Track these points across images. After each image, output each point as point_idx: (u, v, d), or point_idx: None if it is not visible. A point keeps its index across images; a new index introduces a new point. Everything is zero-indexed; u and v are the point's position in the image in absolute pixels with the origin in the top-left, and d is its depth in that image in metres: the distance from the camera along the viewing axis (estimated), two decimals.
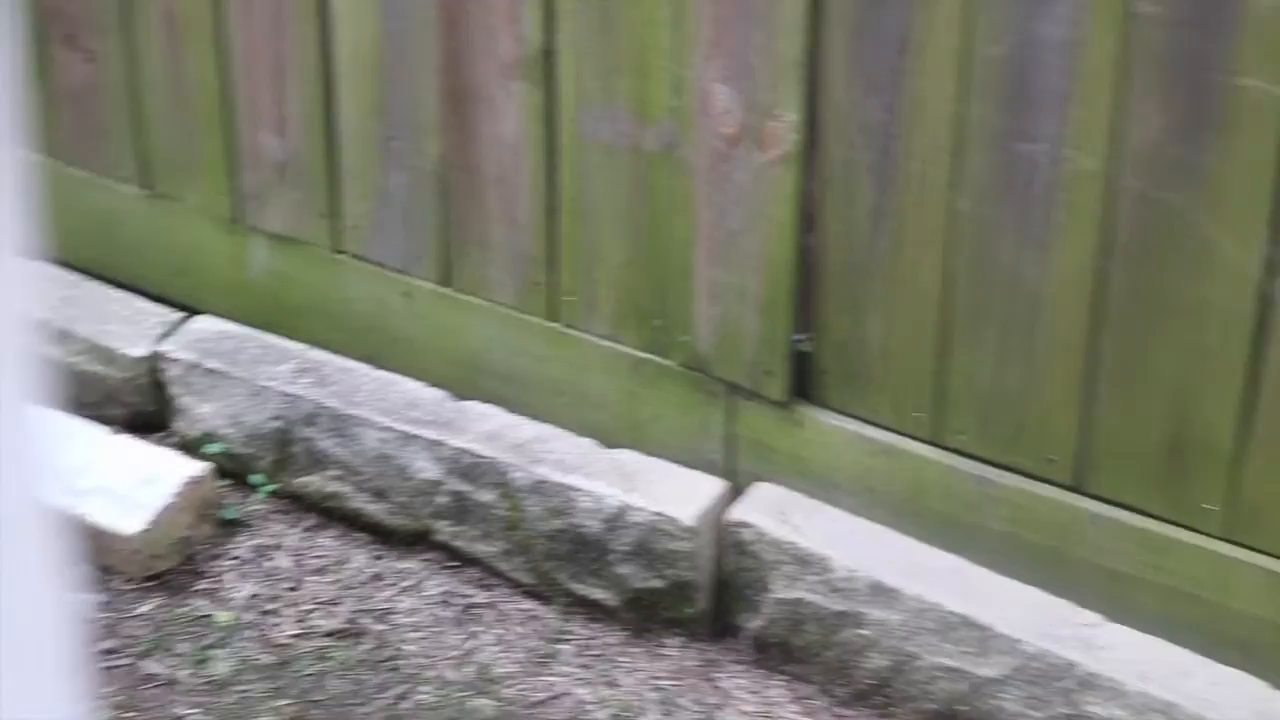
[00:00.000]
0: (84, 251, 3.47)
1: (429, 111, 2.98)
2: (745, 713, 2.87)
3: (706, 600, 2.97)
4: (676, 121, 2.78)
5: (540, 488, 2.98)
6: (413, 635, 3.01)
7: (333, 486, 3.17)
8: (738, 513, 2.92)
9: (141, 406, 3.31)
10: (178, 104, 3.25)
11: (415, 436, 3.07)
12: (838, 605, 2.84)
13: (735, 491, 2.96)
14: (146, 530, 3.08)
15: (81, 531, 3.10)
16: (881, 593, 2.81)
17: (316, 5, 3.01)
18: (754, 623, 2.94)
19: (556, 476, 2.98)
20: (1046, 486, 2.74)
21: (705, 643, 2.98)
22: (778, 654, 2.93)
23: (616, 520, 2.94)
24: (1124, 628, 2.71)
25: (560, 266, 2.99)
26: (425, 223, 3.08)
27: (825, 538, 2.88)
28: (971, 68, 2.55)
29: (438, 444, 3.06)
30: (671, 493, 2.96)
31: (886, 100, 2.63)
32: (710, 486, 2.96)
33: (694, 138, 2.78)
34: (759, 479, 2.95)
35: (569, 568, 3.01)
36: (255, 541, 3.17)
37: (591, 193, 2.90)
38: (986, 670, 2.74)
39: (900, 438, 2.83)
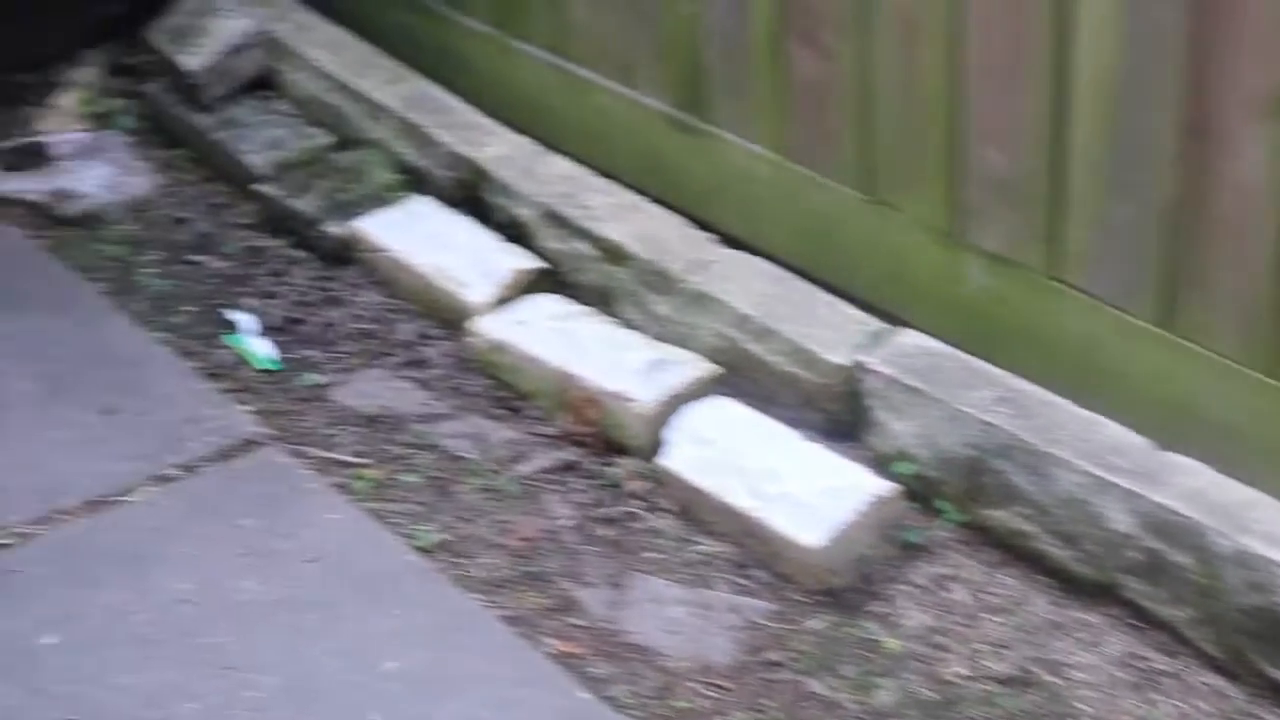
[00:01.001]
0: (798, 249, 3.44)
1: (1162, 144, 2.78)
2: None
3: None
4: None
5: (1242, 558, 2.75)
6: (1086, 694, 2.84)
7: (1020, 524, 3.03)
8: None
9: (836, 415, 3.25)
10: (906, 110, 3.16)
11: (1112, 485, 2.89)
12: None
13: None
14: (827, 545, 3.02)
15: (762, 536, 3.08)
16: None
17: (1056, 25, 2.86)
18: None
19: (1261, 549, 2.74)
20: None
21: None
22: None
23: None
24: None
25: None
26: (1146, 258, 2.89)
27: None
28: None
29: (1135, 495, 2.87)
30: None
31: None
32: None
33: None
34: None
35: (1263, 648, 2.77)
36: (934, 570, 3.07)
37: None
38: None
39: None
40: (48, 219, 4.06)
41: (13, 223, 4.04)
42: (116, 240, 4.01)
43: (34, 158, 4.20)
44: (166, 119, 4.38)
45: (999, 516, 3.06)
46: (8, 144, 4.24)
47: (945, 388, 3.12)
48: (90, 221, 4.06)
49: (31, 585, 3.05)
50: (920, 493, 3.15)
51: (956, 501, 3.12)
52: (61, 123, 4.37)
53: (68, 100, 4.42)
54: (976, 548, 3.09)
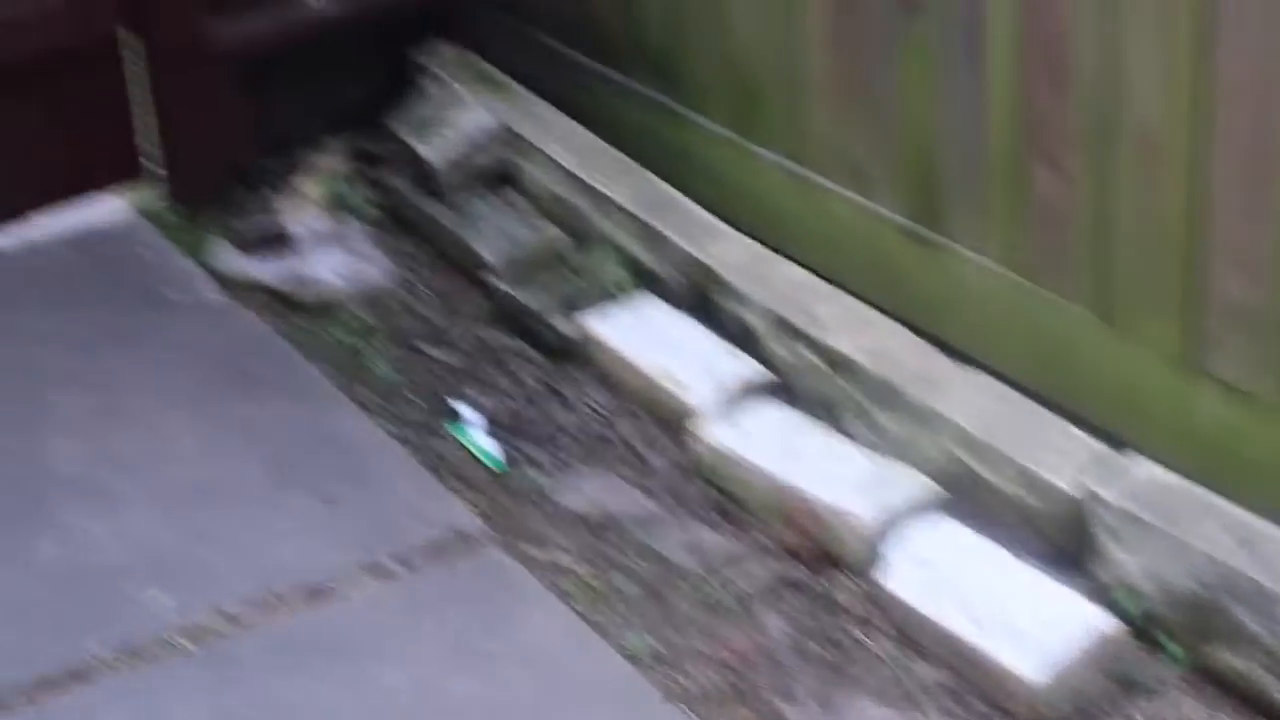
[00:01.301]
0: (1028, 368, 3.38)
1: None
2: None
3: None
4: None
5: None
6: None
7: (1247, 667, 2.92)
8: None
9: (1059, 542, 3.17)
10: (1145, 234, 3.09)
11: None
12: None
13: None
14: (1050, 682, 2.94)
15: (980, 665, 3.01)
16: None
17: None
18: None
19: None
20: None
21: None
22: None
23: None
24: None
25: None
26: None
27: None
28: None
29: None
30: None
31: None
32: None
33: None
34: None
35: None
36: (1155, 709, 2.97)
37: None
38: None
39: None
40: (284, 303, 4.13)
41: (250, 306, 4.11)
42: (349, 328, 4.07)
43: (273, 242, 4.28)
44: (404, 208, 4.44)
45: (1225, 657, 2.96)
46: (248, 227, 4.33)
47: (1174, 521, 3.03)
48: (325, 308, 4.13)
49: (245, 672, 3.08)
50: (1144, 628, 3.05)
51: (1181, 639, 3.02)
52: (301, 207, 4.44)
53: (308, 185, 4.50)
54: (1200, 688, 2.99)
